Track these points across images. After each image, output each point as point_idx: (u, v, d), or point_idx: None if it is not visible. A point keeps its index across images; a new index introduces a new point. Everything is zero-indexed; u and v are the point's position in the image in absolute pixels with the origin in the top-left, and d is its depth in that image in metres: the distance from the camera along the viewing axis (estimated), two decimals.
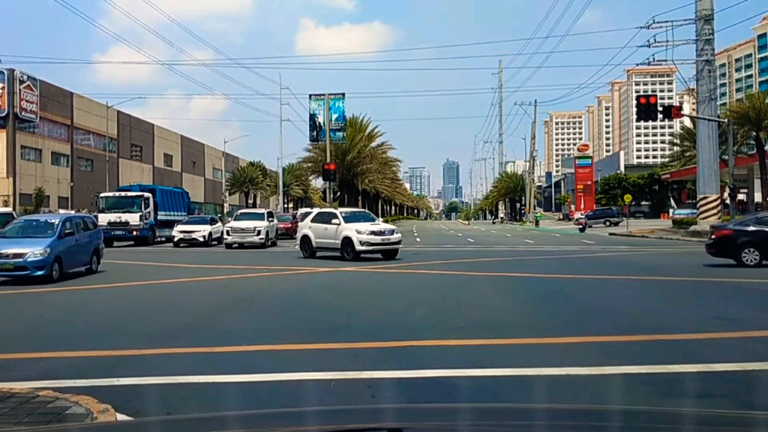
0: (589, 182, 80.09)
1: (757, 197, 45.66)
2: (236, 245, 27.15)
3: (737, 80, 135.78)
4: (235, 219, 29.37)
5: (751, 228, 16.29)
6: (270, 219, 29.15)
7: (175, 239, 29.44)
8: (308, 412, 2.76)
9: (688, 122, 53.53)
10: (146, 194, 32.85)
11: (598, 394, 5.50)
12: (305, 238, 22.10)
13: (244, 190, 78.99)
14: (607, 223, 49.69)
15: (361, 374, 6.00)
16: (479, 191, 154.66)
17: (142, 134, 72.50)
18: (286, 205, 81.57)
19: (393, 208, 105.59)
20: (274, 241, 29.57)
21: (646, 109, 25.85)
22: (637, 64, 37.82)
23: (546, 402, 5.21)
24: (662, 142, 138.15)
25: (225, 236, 27.50)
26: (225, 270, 17.61)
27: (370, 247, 19.85)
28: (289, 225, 37.80)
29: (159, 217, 32.96)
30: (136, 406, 5.09)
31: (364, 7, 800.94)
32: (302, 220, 45.17)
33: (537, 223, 60.31)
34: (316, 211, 23.97)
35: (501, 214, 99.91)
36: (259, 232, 27.05)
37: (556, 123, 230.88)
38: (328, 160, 31.23)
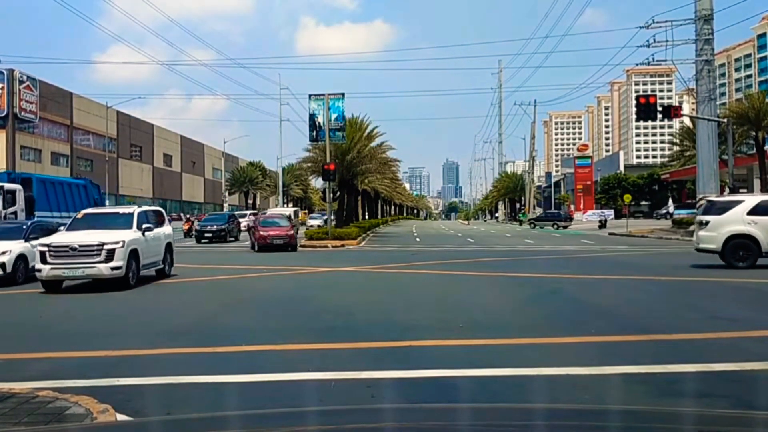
0: (588, 182, 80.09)
1: None
2: (64, 281, 13.43)
3: (737, 80, 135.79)
4: (69, 227, 14.61)
5: None
6: (147, 226, 14.67)
7: None
8: (308, 412, 2.76)
9: (687, 122, 53.54)
10: (10, 186, 22.21)
11: (598, 394, 5.50)
12: (742, 239, 15.27)
13: (243, 190, 79.07)
14: (555, 225, 53.50)
15: (361, 374, 6.00)
16: (479, 191, 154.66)
17: (141, 134, 72.53)
18: (285, 205, 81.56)
19: (393, 208, 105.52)
20: (164, 269, 15.65)
21: (646, 109, 25.82)
22: (637, 64, 37.80)
23: (546, 402, 5.21)
24: (662, 142, 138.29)
25: (38, 264, 13.14)
26: (225, 270, 17.61)
27: None
28: (289, 230, 26.49)
29: (36, 221, 18.75)
30: (136, 406, 5.09)
31: (366, 7, 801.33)
32: (291, 218, 41.57)
33: (521, 223, 67.32)
34: (752, 198, 16.17)
35: (499, 214, 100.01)
36: (110, 255, 13.06)
37: (556, 123, 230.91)
38: (328, 160, 31.17)
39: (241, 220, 41.05)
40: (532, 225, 56.73)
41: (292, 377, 6.02)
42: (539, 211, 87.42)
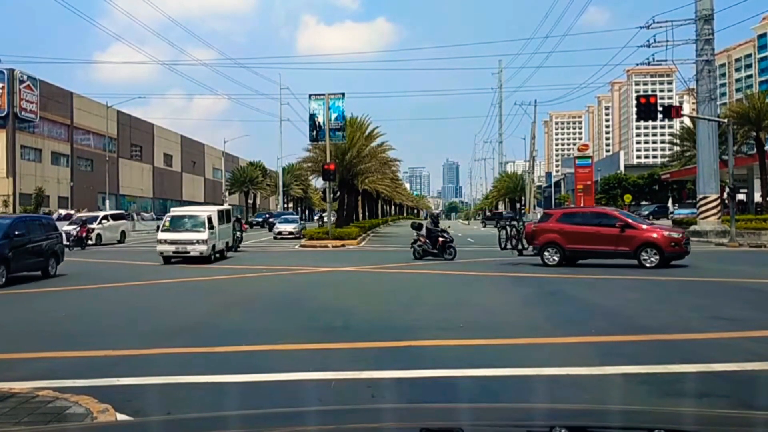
0: (588, 182, 79.95)
1: (757, 197, 45.65)
2: None
3: (737, 80, 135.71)
4: None
5: None
6: None
7: None
8: (308, 412, 2.76)
9: (688, 122, 53.54)
10: None
11: (598, 394, 5.50)
12: None
13: (243, 190, 79.05)
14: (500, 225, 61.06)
15: (361, 374, 6.00)
16: (479, 191, 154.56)
17: (142, 134, 72.51)
18: (285, 205, 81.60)
19: (393, 208, 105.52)
20: None
21: (646, 109, 25.79)
22: (637, 64, 37.73)
23: (546, 402, 5.21)
24: (662, 142, 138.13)
25: None
26: (225, 270, 17.61)
27: None
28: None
29: None
30: (136, 406, 5.09)
31: (368, 6, 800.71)
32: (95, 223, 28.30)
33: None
34: None
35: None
36: None
37: (556, 123, 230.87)
38: (328, 160, 31.16)
39: (68, 228, 27.46)
40: (484, 224, 65.30)
41: (292, 377, 6.02)
42: (539, 211, 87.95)
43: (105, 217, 33.33)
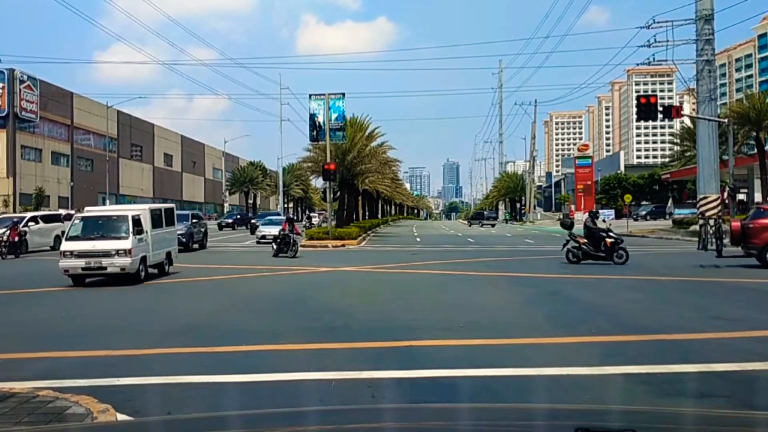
0: (589, 182, 79.98)
1: (757, 197, 45.64)
2: None
3: (737, 80, 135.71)
4: None
5: None
6: None
7: None
8: (308, 412, 2.76)
9: (688, 122, 53.54)
10: None
11: (598, 394, 5.50)
12: None
13: (244, 190, 79.08)
14: (481, 224, 65.64)
15: (361, 374, 6.01)
16: (479, 191, 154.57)
17: (142, 134, 72.52)
18: (286, 205, 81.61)
19: (393, 208, 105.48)
20: None
21: (647, 109, 25.79)
22: (638, 64, 37.76)
23: (546, 402, 5.21)
24: (662, 142, 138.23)
25: None
26: (225, 270, 17.61)
27: None
28: None
29: None
30: (136, 406, 5.09)
31: (368, 5, 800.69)
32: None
33: (506, 221, 78.13)
34: None
35: (499, 214, 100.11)
36: None
37: (556, 123, 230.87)
38: (328, 160, 31.15)
39: None
40: (469, 223, 69.88)
41: (292, 377, 6.02)
42: (540, 210, 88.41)
43: (33, 219, 27.59)
